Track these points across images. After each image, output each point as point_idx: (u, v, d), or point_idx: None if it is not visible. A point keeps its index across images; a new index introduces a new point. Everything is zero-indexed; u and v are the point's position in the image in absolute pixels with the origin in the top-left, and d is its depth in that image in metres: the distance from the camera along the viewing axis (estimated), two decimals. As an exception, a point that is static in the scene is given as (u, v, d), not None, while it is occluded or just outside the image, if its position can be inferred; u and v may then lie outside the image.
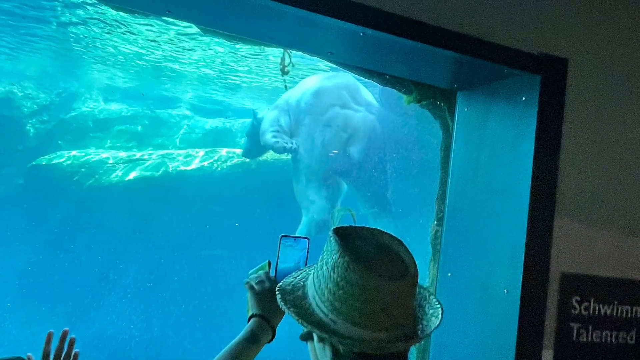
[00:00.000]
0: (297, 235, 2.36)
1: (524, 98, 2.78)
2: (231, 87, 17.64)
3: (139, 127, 18.84)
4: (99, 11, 11.04)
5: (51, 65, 16.47)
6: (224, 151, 16.02)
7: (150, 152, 16.52)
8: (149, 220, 14.76)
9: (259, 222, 14.57)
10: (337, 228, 1.87)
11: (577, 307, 2.71)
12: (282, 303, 1.84)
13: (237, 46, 12.43)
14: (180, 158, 15.83)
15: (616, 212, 2.88)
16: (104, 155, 16.07)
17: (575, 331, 2.71)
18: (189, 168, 15.46)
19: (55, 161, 15.73)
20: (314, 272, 1.88)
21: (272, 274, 2.31)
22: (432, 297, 2.00)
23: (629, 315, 2.80)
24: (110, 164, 15.70)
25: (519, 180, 2.70)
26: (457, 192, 3.24)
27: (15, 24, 12.61)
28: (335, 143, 11.29)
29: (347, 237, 1.84)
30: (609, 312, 2.76)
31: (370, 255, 1.78)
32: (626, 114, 2.95)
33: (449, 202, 3.31)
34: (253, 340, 2.16)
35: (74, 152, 16.14)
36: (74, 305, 14.38)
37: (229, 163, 15.53)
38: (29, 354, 2.52)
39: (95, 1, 9.75)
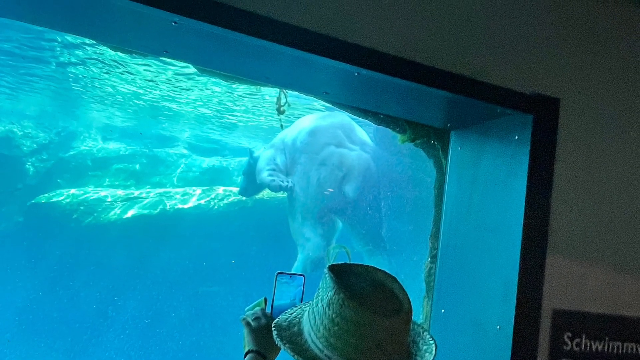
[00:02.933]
0: (292, 272, 2.38)
1: (516, 137, 2.80)
2: (228, 126, 17.73)
3: (137, 166, 18.93)
4: (98, 51, 11.12)
5: (50, 104, 16.56)
6: (220, 189, 16.07)
7: (148, 190, 16.56)
8: (147, 257, 14.78)
9: (255, 259, 14.60)
10: (332, 265, 1.90)
11: (569, 343, 2.72)
12: (278, 339, 1.86)
13: (234, 86, 12.52)
14: (178, 196, 15.87)
15: (607, 250, 2.89)
16: (102, 194, 16.13)
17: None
18: (186, 206, 15.49)
19: (54, 199, 15.77)
20: (309, 309, 1.90)
21: (268, 311, 2.32)
22: (425, 333, 2.01)
23: (620, 351, 2.81)
24: (109, 202, 15.74)
25: (511, 218, 2.72)
26: (451, 230, 3.26)
27: (15, 64, 12.70)
28: (330, 181, 11.32)
29: (342, 274, 1.87)
30: (600, 348, 2.76)
31: (365, 292, 1.80)
32: (617, 153, 2.98)
33: (442, 240, 3.33)
34: (249, 376, 2.17)
35: (72, 191, 16.20)
36: (72, 341, 14.35)
37: (225, 201, 15.57)
38: None
39: (94, 41, 9.83)
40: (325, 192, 11.33)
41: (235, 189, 15.31)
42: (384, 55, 2.45)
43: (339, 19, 2.38)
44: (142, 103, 15.67)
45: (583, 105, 2.92)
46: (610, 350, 2.80)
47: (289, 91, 6.27)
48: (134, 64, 11.89)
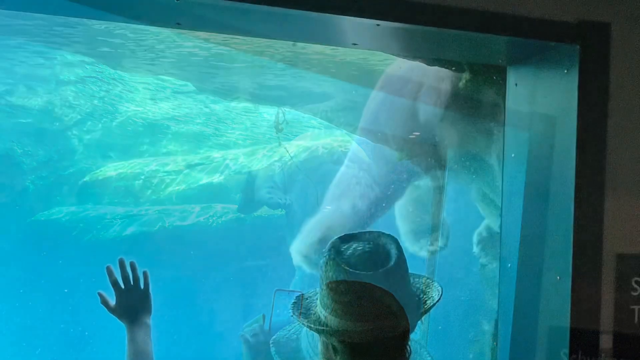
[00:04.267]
0: (291, 289, 2.40)
1: (565, 70, 2.59)
2: (226, 144, 17.71)
3: (136, 183, 18.88)
4: (97, 70, 11.16)
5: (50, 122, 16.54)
6: (219, 207, 16.03)
7: (147, 207, 16.52)
8: (146, 273, 14.71)
9: (254, 276, 14.54)
10: (329, 283, 1.93)
11: (638, 288, 2.54)
12: (276, 356, 1.88)
13: (232, 104, 12.55)
14: (177, 213, 15.84)
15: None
16: (101, 211, 16.09)
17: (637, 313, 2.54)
18: (185, 223, 15.46)
19: (54, 217, 15.76)
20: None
21: (266, 327, 2.34)
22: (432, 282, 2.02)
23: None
24: (108, 219, 15.71)
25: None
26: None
27: (14, 81, 12.71)
28: (328, 199, 11.31)
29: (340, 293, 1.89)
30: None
31: (364, 309, 1.83)
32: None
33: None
34: (248, 392, 2.19)
35: (72, 208, 16.16)
36: (72, 358, 14.28)
37: (224, 218, 15.54)
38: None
39: (93, 60, 9.87)
40: (323, 210, 11.33)
41: (234, 206, 15.28)
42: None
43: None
44: (141, 121, 15.67)
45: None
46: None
47: (287, 110, 6.27)
48: (132, 82, 11.92)
